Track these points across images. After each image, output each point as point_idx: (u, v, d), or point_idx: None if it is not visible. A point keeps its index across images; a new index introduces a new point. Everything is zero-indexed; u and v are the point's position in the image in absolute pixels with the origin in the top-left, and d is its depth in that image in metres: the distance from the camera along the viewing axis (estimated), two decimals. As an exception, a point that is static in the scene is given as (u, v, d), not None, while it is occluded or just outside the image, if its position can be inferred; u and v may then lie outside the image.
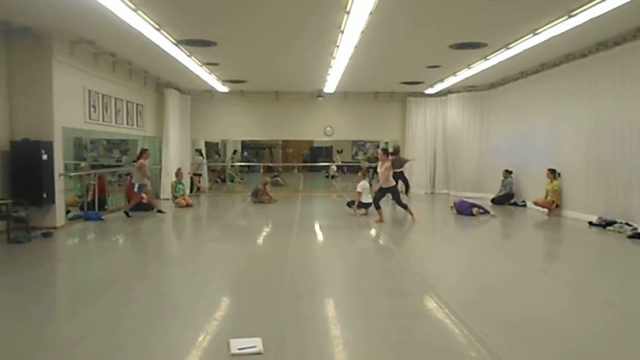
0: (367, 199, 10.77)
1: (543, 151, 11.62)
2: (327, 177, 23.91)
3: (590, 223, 9.33)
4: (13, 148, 8.35)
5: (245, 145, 28.49)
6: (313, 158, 28.88)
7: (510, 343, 3.82)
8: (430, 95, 15.99)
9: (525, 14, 7.46)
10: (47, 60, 8.56)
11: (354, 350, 3.75)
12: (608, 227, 8.87)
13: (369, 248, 8.19)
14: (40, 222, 8.56)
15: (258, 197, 13.58)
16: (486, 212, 10.82)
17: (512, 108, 13.28)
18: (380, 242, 8.44)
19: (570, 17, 7.28)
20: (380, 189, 9.97)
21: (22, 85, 8.50)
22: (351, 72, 11.71)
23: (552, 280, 5.98)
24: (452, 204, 11.32)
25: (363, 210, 10.69)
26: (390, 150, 14.45)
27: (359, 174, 11.40)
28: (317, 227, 10.01)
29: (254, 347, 3.57)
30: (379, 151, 10.48)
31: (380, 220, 9.68)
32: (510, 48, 9.30)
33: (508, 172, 13.02)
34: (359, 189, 10.86)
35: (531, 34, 8.34)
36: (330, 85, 13.94)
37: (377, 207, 9.88)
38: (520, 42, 8.89)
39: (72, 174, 11.06)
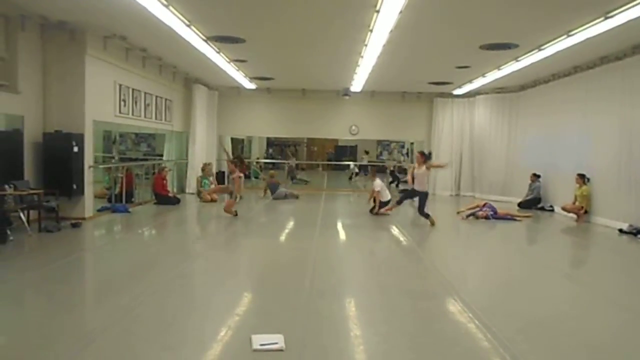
0: (386, 196, 10.77)
1: (572, 155, 11.36)
2: (350, 178, 23.50)
3: (621, 230, 9.10)
4: (45, 140, 8.56)
5: (270, 142, 28.62)
6: (338, 157, 28.85)
7: (533, 348, 3.75)
8: (458, 96, 15.79)
9: (560, 15, 7.29)
10: (81, 54, 8.75)
11: (375, 350, 3.73)
12: (639, 235, 8.63)
13: (392, 248, 8.14)
14: (70, 213, 8.76)
15: (273, 192, 13.69)
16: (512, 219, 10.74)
17: (542, 111, 13.02)
18: (403, 242, 8.38)
19: (606, 18, 7.08)
20: (413, 190, 9.92)
21: (56, 79, 8.70)
22: (379, 71, 11.65)
23: (577, 287, 5.86)
24: (465, 210, 11.19)
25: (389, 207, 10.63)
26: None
27: (370, 174, 11.49)
28: (339, 225, 10.00)
29: (276, 343, 3.58)
30: (417, 153, 10.36)
31: (390, 209, 9.67)
32: (542, 49, 9.11)
33: (536, 176, 12.78)
34: (377, 188, 10.87)
35: (565, 35, 8.15)
36: (357, 84, 13.89)
37: (398, 203, 9.93)
38: (553, 44, 8.70)
39: (102, 166, 11.29)
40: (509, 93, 14.60)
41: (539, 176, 12.74)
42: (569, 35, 8.10)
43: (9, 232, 6.95)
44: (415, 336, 4.02)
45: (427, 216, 9.57)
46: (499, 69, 11.32)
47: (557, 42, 8.53)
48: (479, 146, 15.58)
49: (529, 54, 9.62)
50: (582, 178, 10.53)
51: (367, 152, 25.82)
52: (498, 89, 14.65)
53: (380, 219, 10.37)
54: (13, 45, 7.91)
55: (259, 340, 3.61)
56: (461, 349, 3.79)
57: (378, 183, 10.96)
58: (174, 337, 3.81)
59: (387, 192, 11.05)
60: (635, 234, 8.74)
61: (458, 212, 11.28)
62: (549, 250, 8.49)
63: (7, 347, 3.67)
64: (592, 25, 7.45)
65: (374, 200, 10.99)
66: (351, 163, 24.54)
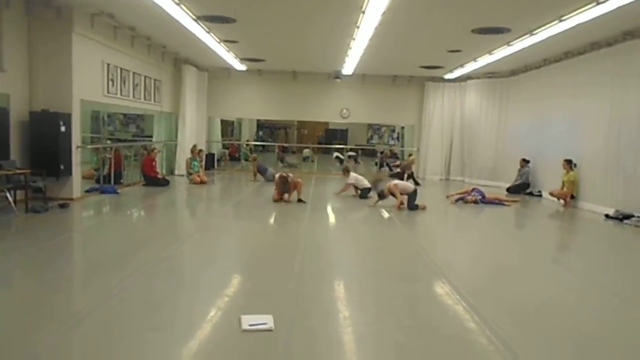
0: (365, 183, 10.94)
1: (561, 141, 11.44)
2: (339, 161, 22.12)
3: (607, 216, 9.21)
4: (32, 119, 8.42)
5: (260, 125, 28.48)
6: (328, 140, 28.79)
7: (520, 331, 3.81)
8: (449, 81, 15.78)
9: (552, 0, 7.28)
10: (67, 32, 8.58)
11: (363, 331, 3.77)
12: (625, 221, 8.75)
13: (381, 231, 8.18)
14: (57, 193, 8.68)
15: (262, 174, 13.68)
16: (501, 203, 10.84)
17: (532, 96, 13.05)
18: (392, 226, 8.42)
19: (598, 3, 7.08)
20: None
21: (43, 57, 8.53)
22: (370, 54, 11.58)
23: (565, 272, 5.94)
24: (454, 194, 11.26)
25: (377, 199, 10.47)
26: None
27: (343, 171, 11.42)
28: (329, 209, 10.01)
29: (265, 323, 3.60)
30: (392, 185, 9.96)
31: (400, 205, 9.64)
32: (534, 34, 9.10)
33: (525, 162, 12.87)
34: (351, 181, 11.00)
35: (557, 20, 8.14)
36: (349, 67, 13.82)
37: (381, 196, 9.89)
38: (545, 29, 8.68)
39: (90, 146, 11.17)
40: (500, 78, 14.61)
41: (528, 161, 12.83)
42: (561, 21, 8.09)
43: (-5, 212, 6.88)
44: (403, 318, 4.05)
45: (416, 207, 9.62)
46: (490, 54, 11.30)
47: (549, 27, 8.52)
48: (469, 131, 15.62)
49: (520, 39, 9.60)
50: (569, 164, 10.62)
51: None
52: (489, 74, 14.65)
53: (369, 201, 10.39)
54: (-3, 23, 7.73)
55: (248, 321, 3.62)
56: (448, 330, 3.83)
57: (352, 176, 11.05)
58: (163, 318, 3.81)
59: (364, 179, 11.09)
60: (621, 219, 8.85)
61: (447, 197, 11.35)
62: (536, 235, 8.59)
63: (-5, 326, 3.65)
64: (584, 10, 7.45)
65: (356, 190, 11.03)
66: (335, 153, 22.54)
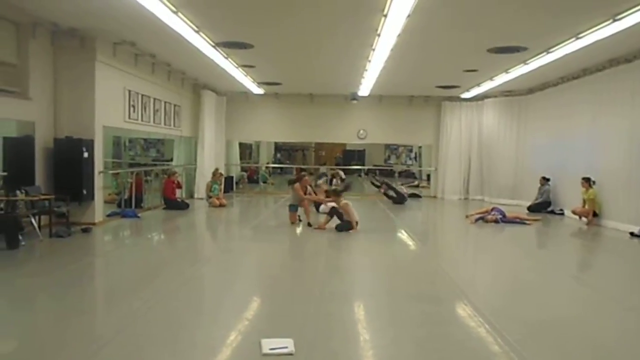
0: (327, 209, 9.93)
1: (582, 158, 11.27)
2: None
3: (632, 234, 9.02)
4: (56, 145, 8.63)
5: (278, 147, 28.68)
6: (346, 161, 28.83)
7: (546, 354, 3.72)
8: (466, 100, 15.76)
9: (568, 17, 7.26)
10: (91, 60, 8.83)
11: (384, 355, 3.72)
12: (651, 239, 8.56)
13: (402, 252, 8.12)
14: (80, 218, 8.83)
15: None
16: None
17: (551, 114, 12.95)
18: (412, 246, 8.36)
19: (615, 20, 7.05)
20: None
21: (67, 85, 8.78)
22: (386, 75, 11.65)
23: (588, 291, 5.79)
24: (473, 215, 11.12)
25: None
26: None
27: (332, 196, 9.76)
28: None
29: (286, 347, 3.58)
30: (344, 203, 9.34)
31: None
32: (551, 52, 9.07)
33: (545, 180, 12.70)
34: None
35: (574, 38, 8.12)
36: (365, 88, 13.90)
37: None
38: (561, 46, 8.66)
39: (111, 171, 11.37)
40: (518, 96, 14.55)
41: (548, 179, 12.66)
42: (577, 38, 8.06)
43: (20, 237, 7.00)
44: (424, 340, 4.00)
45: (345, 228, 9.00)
46: (507, 72, 11.28)
47: (566, 44, 8.49)
48: (488, 149, 15.52)
49: (537, 57, 9.58)
50: (588, 182, 10.44)
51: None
52: (506, 92, 14.61)
53: (388, 222, 10.33)
54: (24, 52, 8.00)
55: (268, 345, 3.61)
56: (470, 353, 3.77)
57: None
58: (184, 342, 3.82)
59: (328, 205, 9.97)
60: (646, 238, 8.66)
61: (467, 217, 11.23)
62: (559, 253, 8.42)
63: (19, 351, 3.70)
64: (601, 27, 7.42)
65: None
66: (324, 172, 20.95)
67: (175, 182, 12.17)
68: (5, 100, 7.54)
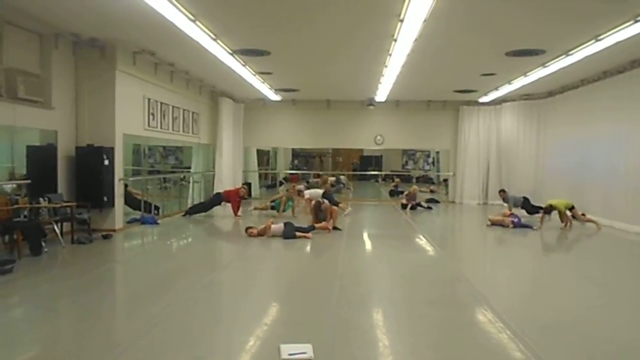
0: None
1: (604, 162, 11.08)
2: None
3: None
4: (78, 153, 8.79)
5: (295, 153, 28.76)
6: (363, 167, 28.76)
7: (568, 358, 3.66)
8: (484, 104, 15.64)
9: (588, 19, 7.17)
10: (111, 70, 8.99)
11: (404, 360, 3.70)
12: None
13: (420, 257, 8.05)
14: (101, 225, 8.96)
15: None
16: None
17: (572, 117, 12.76)
18: (430, 251, 8.29)
19: (636, 21, 6.95)
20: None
21: (88, 94, 8.96)
22: (403, 80, 11.63)
23: (610, 295, 5.68)
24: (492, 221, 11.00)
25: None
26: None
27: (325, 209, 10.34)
28: (366, 235, 9.94)
29: (304, 353, 3.57)
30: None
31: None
32: (570, 55, 8.96)
33: (503, 192, 12.98)
34: (307, 196, 12.14)
35: (593, 40, 8.01)
36: (382, 93, 13.89)
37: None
38: (581, 49, 8.56)
39: (131, 178, 11.51)
40: (537, 100, 14.39)
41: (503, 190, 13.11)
42: (597, 40, 7.96)
43: (43, 243, 7.13)
44: (445, 347, 3.96)
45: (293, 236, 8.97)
46: (525, 76, 11.17)
47: (586, 46, 8.39)
48: (507, 154, 15.37)
49: (556, 60, 9.47)
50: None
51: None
52: (525, 96, 14.46)
53: (406, 228, 10.27)
54: (47, 63, 8.17)
55: (287, 350, 3.61)
56: (492, 359, 3.71)
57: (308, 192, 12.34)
58: (203, 347, 3.84)
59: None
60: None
61: (489, 220, 11.06)
62: (578, 257, 8.27)
63: (42, 356, 3.76)
64: (622, 28, 7.32)
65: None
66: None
67: (239, 197, 12.04)
68: (29, 110, 7.71)
